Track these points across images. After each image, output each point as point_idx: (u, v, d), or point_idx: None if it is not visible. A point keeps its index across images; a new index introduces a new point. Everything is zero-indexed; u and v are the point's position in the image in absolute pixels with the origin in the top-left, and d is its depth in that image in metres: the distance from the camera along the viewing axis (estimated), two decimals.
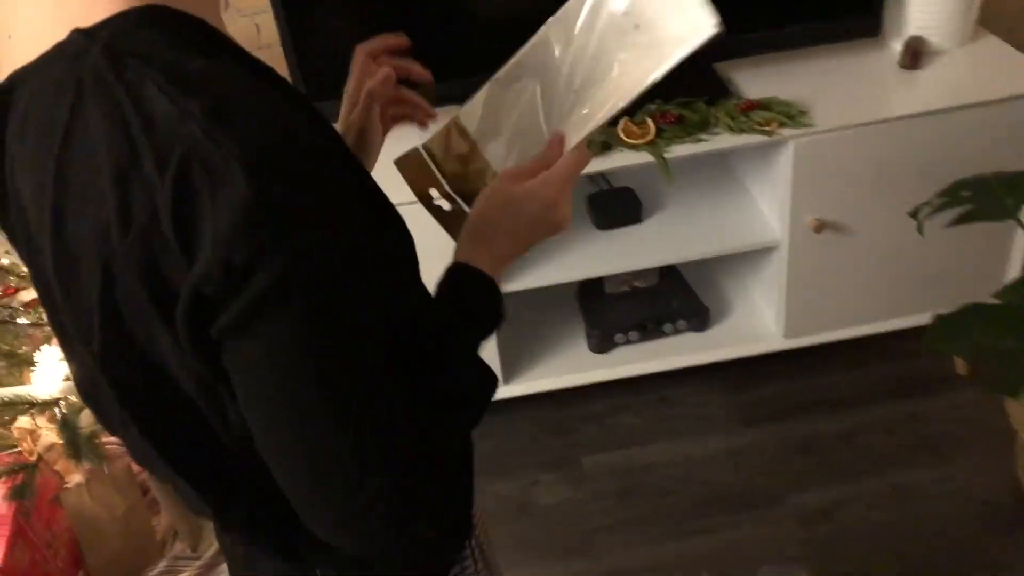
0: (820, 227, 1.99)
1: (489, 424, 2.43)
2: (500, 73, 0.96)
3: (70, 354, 0.79)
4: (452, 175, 1.01)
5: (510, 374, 2.20)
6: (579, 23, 0.90)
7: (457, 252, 0.89)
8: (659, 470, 2.19)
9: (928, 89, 1.98)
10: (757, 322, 2.25)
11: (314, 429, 0.64)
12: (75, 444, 1.74)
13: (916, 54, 2.02)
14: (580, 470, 2.23)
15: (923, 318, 1.77)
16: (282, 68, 1.89)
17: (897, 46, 2.06)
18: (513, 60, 0.96)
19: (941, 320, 1.58)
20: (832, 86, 2.00)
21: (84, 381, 0.78)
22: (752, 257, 2.23)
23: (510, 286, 2.06)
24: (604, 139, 1.88)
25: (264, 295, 0.59)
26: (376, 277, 0.66)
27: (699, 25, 0.84)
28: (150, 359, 0.68)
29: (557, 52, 0.91)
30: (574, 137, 0.90)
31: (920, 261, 2.06)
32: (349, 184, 0.68)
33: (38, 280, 0.74)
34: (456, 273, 0.87)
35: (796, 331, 2.17)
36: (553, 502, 2.16)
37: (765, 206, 2.12)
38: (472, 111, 0.99)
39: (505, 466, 2.25)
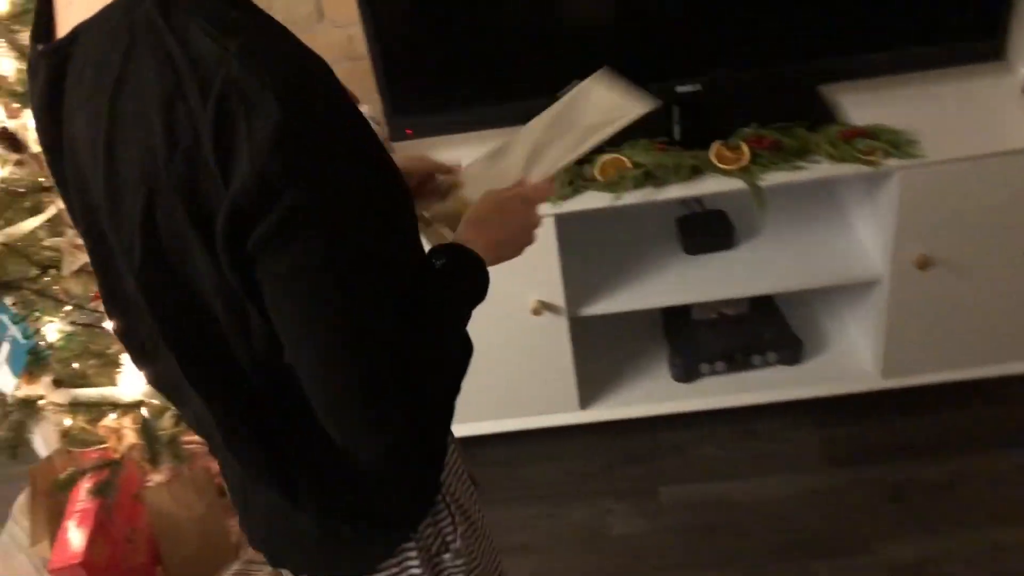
0: (926, 263, 1.86)
1: (564, 447, 2.39)
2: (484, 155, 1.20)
3: (108, 281, 0.89)
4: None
5: (588, 399, 2.14)
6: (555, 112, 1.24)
7: (456, 236, 1.00)
8: (739, 508, 2.09)
9: None
10: (854, 359, 2.13)
11: (334, 336, 0.73)
12: (153, 448, 1.77)
13: None
14: (656, 501, 2.15)
15: None
16: (371, 81, 1.89)
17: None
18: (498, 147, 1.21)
19: None
20: (948, 114, 1.87)
21: (120, 300, 0.88)
22: (852, 290, 2.11)
23: (592, 309, 2.00)
24: (694, 163, 1.81)
25: (295, 208, 0.68)
26: (385, 210, 0.76)
27: (637, 105, 1.20)
28: (183, 277, 0.78)
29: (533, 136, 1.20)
30: (539, 173, 1.13)
31: None
32: (361, 125, 0.75)
33: (85, 218, 0.84)
34: (457, 249, 0.96)
35: (895, 371, 2.05)
36: (625, 533, 2.09)
37: (868, 238, 2.00)
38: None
39: (579, 492, 2.19)
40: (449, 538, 1.04)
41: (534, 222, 1.06)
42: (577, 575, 2.01)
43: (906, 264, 1.88)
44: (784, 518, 2.05)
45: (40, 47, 0.81)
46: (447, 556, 1.04)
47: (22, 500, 2.25)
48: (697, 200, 2.17)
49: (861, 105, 1.94)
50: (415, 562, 1.02)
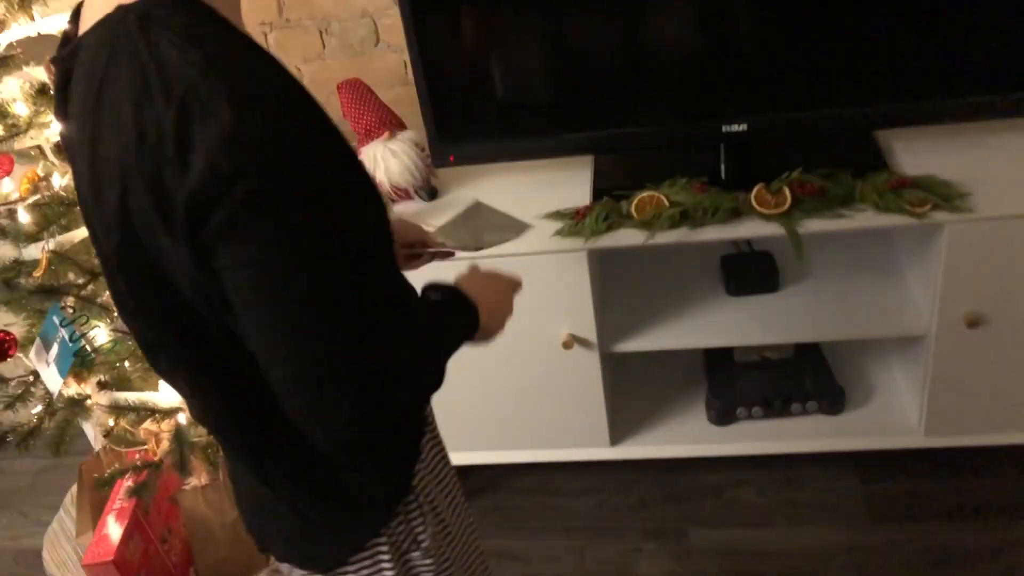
0: (975, 322, 1.78)
1: (601, 479, 2.38)
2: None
3: (107, 278, 0.96)
4: None
5: (619, 435, 2.12)
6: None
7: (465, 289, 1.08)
8: (772, 558, 2.04)
9: None
10: (897, 413, 2.05)
11: (294, 333, 0.78)
12: (182, 455, 1.83)
13: None
14: (687, 543, 2.11)
15: None
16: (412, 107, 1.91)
17: None
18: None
19: None
20: (1006, 168, 1.79)
21: (107, 275, 0.95)
22: (901, 341, 2.04)
23: (625, 346, 1.98)
24: (733, 205, 1.77)
25: (243, 202, 0.74)
26: (345, 217, 0.80)
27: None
28: (158, 268, 0.84)
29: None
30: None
31: None
32: (327, 137, 0.81)
33: (85, 215, 0.93)
34: (454, 290, 1.05)
35: (938, 430, 1.97)
36: (652, 574, 2.06)
37: (918, 291, 1.93)
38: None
39: (609, 528, 2.17)
40: (420, 537, 1.07)
41: (510, 305, 1.17)
42: None
43: (954, 321, 1.80)
44: (816, 573, 1.99)
45: (49, 58, 0.95)
46: (416, 554, 1.08)
47: (74, 491, 2.36)
48: (747, 240, 2.13)
49: (916, 153, 1.87)
50: (386, 557, 1.06)
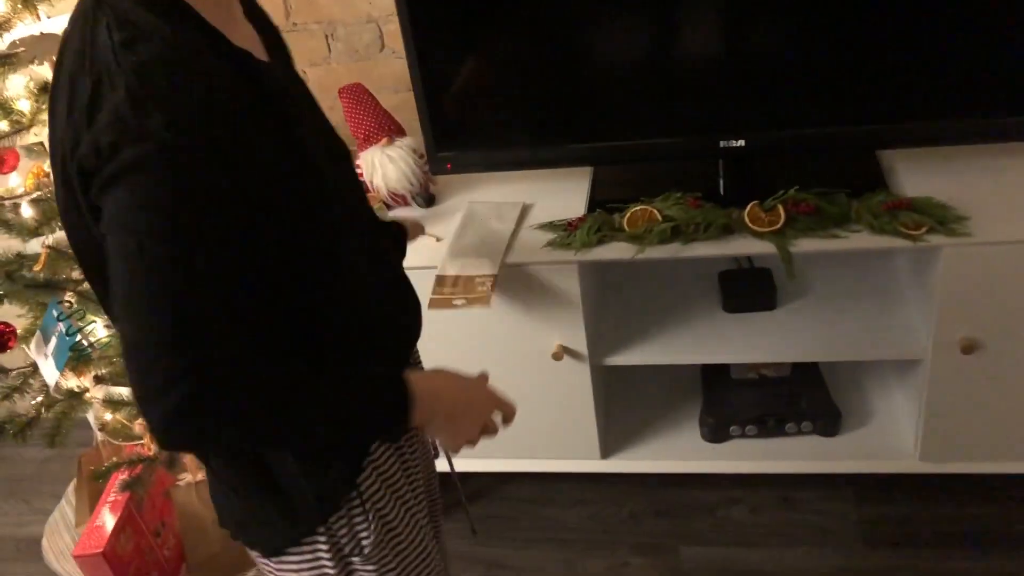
0: (970, 347, 1.75)
1: (594, 491, 2.37)
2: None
3: None
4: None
5: (610, 449, 2.11)
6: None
7: (415, 381, 0.99)
8: None
9: None
10: (894, 437, 2.02)
11: (137, 299, 0.80)
12: (172, 454, 1.85)
13: None
14: (676, 560, 2.09)
15: None
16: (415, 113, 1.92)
17: None
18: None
19: None
20: (1008, 192, 1.76)
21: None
22: (900, 364, 2.00)
23: (616, 359, 1.97)
24: (726, 222, 1.76)
25: (119, 170, 0.79)
26: (209, 216, 0.81)
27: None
28: (84, 220, 0.89)
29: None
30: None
31: None
32: (239, 133, 0.84)
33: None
34: (396, 380, 0.97)
35: (934, 455, 1.93)
36: None
37: (916, 315, 1.90)
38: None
39: (599, 541, 2.16)
40: (364, 541, 1.08)
41: (470, 430, 1.08)
42: None
43: (950, 346, 1.76)
44: None
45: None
46: (357, 559, 1.08)
47: (75, 482, 2.40)
48: (748, 257, 2.11)
49: (919, 174, 1.84)
50: (327, 556, 1.07)
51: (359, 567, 1.09)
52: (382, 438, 1.07)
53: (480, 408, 1.08)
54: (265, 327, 0.92)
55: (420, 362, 1.32)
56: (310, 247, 0.95)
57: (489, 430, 1.10)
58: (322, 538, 1.06)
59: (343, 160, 1.10)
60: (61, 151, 0.88)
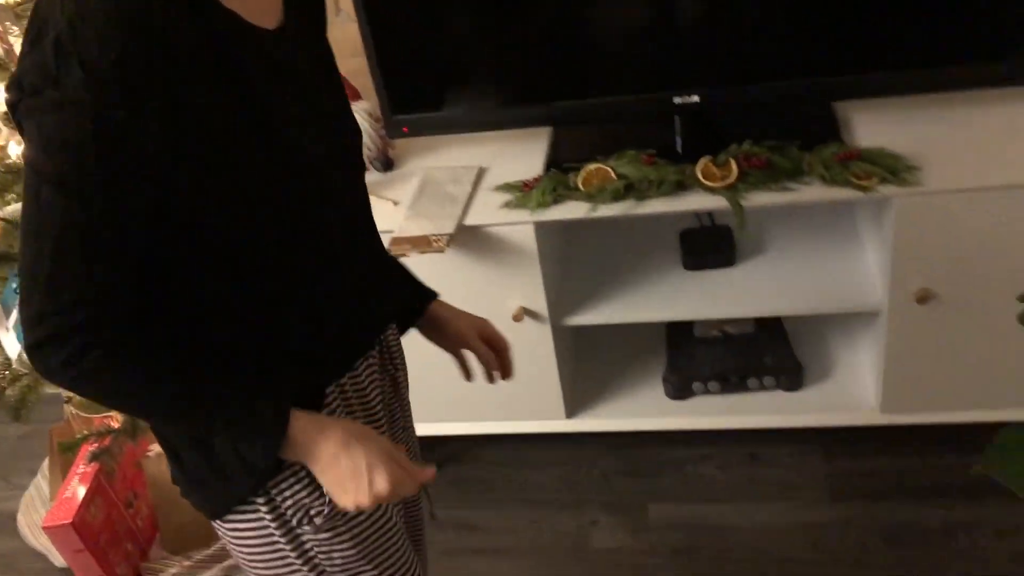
0: (926, 298, 1.75)
1: (565, 452, 2.39)
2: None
3: None
4: None
5: (575, 408, 2.12)
6: None
7: (303, 418, 0.97)
8: (729, 533, 2.03)
9: None
10: (856, 390, 2.03)
11: (26, 233, 0.83)
12: (133, 423, 1.86)
13: None
14: (645, 518, 2.11)
15: None
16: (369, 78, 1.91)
17: None
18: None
19: (1013, 433, 1.34)
20: (961, 140, 1.75)
21: None
22: (861, 318, 2.01)
23: (577, 319, 1.98)
24: (679, 178, 1.75)
25: (34, 107, 0.81)
26: (128, 162, 0.82)
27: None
28: None
29: None
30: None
31: None
32: (159, 86, 0.82)
33: None
34: (281, 407, 0.96)
35: (894, 407, 1.94)
36: (608, 547, 2.07)
37: (874, 267, 1.90)
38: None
39: (569, 500, 2.18)
40: (313, 512, 1.05)
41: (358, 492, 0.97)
42: None
43: (905, 297, 1.77)
44: (772, 548, 1.98)
45: None
46: (307, 528, 1.06)
47: (49, 457, 2.41)
48: (709, 214, 2.11)
49: (874, 125, 1.84)
50: (273, 526, 1.06)
51: (309, 537, 1.07)
52: (244, 462, 1.00)
53: (373, 475, 0.96)
54: (158, 301, 0.92)
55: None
56: (241, 230, 0.93)
57: (381, 499, 0.98)
58: (264, 507, 1.04)
59: (341, 160, 1.05)
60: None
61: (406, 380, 1.27)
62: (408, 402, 1.31)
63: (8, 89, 0.84)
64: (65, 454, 2.06)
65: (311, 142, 0.97)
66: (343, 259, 1.06)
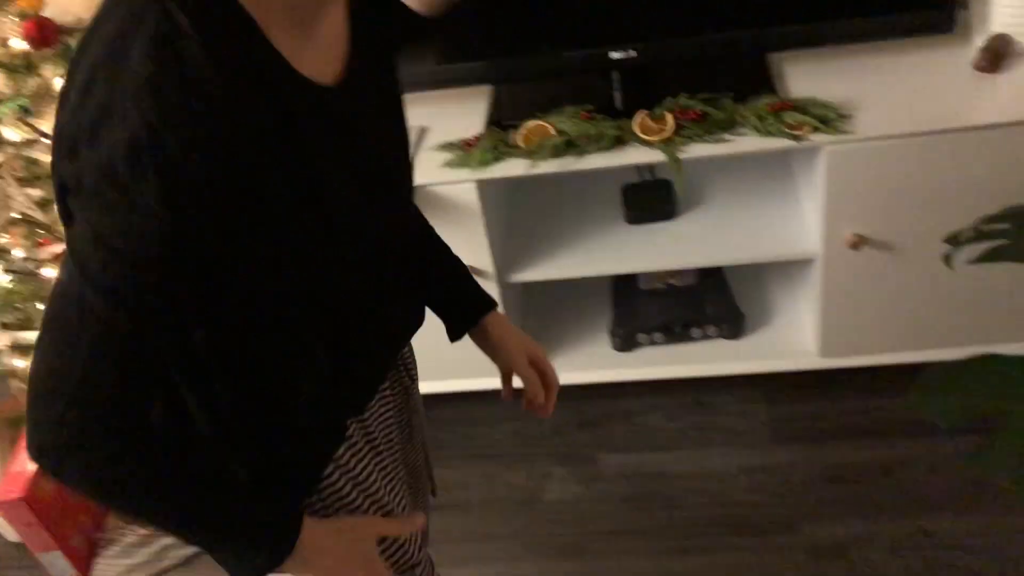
0: (858, 243, 1.81)
1: (510, 407, 2.45)
2: None
3: None
4: None
5: None
6: None
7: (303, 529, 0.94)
8: (676, 480, 2.09)
9: (1005, 97, 1.74)
10: (796, 337, 2.08)
11: (52, 326, 0.78)
12: None
13: (996, 56, 1.77)
14: (595, 468, 2.16)
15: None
16: None
17: (979, 45, 1.82)
18: None
19: (938, 371, 1.39)
20: (891, 88, 1.80)
21: None
22: (799, 265, 2.06)
23: (523, 276, 2.00)
24: (617, 133, 1.78)
25: (85, 205, 0.73)
26: (148, 272, 0.75)
27: None
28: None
29: None
30: None
31: (973, 289, 1.84)
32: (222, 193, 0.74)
33: None
34: (288, 516, 0.93)
35: (832, 351, 2.00)
36: (560, 498, 2.11)
37: (810, 215, 1.95)
38: None
39: (521, 454, 2.22)
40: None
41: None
42: (505, 537, 2.04)
43: (839, 243, 1.82)
44: (719, 493, 2.04)
45: None
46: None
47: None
48: (650, 169, 2.14)
49: (807, 76, 1.87)
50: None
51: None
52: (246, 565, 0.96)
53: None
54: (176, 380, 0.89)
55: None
56: (275, 296, 0.87)
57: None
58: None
59: (396, 222, 1.00)
60: (60, 142, 0.77)
61: (417, 384, 1.25)
62: (421, 405, 1.30)
63: (62, 167, 0.75)
64: (13, 429, 2.05)
65: (368, 217, 0.92)
66: (379, 302, 1.02)
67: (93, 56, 0.73)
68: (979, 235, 1.47)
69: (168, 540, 2.13)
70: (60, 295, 0.78)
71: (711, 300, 2.11)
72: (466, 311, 1.22)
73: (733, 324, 2.09)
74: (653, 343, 2.11)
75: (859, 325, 1.95)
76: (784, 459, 2.08)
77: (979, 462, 1.33)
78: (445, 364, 2.10)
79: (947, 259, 1.52)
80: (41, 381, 0.79)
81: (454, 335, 1.21)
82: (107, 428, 0.79)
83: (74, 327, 0.76)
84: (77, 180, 0.73)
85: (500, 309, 1.97)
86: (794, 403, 2.18)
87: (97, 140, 0.71)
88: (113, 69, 0.71)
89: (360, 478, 1.05)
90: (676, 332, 2.09)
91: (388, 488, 1.10)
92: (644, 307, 2.13)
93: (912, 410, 1.40)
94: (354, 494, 1.05)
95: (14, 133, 1.75)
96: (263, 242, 0.80)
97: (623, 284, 2.19)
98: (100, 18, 0.75)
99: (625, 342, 2.12)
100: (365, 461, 1.06)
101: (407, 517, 1.10)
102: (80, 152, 0.72)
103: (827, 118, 1.71)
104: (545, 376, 1.25)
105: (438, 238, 1.21)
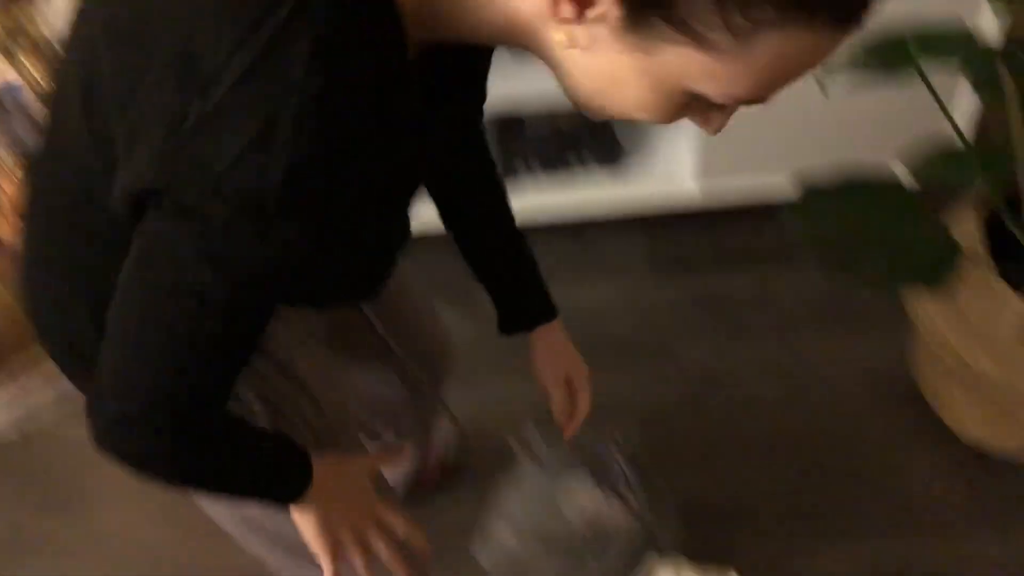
0: None
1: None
2: None
3: None
4: None
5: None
6: None
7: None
8: (560, 316, 2.12)
9: None
10: (675, 167, 2.10)
11: (136, 332, 0.73)
12: None
13: None
14: (477, 307, 2.16)
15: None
16: None
17: None
18: None
19: (811, 192, 1.43)
20: None
21: None
22: None
23: None
24: None
25: (211, 215, 0.65)
26: (255, 290, 0.71)
27: None
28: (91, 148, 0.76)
29: None
30: None
31: (842, 110, 1.88)
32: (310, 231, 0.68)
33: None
34: (303, 458, 0.92)
35: (709, 182, 2.04)
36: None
37: None
38: None
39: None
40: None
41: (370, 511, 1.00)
42: None
43: None
44: (598, 323, 2.08)
45: None
46: None
47: None
48: None
49: None
50: None
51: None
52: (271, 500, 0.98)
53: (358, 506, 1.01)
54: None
55: None
56: (314, 289, 0.88)
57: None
58: None
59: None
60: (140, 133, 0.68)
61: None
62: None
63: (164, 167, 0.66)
64: None
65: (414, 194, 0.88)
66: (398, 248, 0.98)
67: (182, 31, 0.63)
68: (859, 61, 1.50)
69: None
70: (147, 285, 0.72)
71: (592, 134, 2.10)
72: (519, 316, 1.24)
73: (610, 150, 2.08)
74: (530, 169, 2.09)
75: (734, 152, 1.98)
76: (662, 292, 2.13)
77: (844, 276, 1.40)
78: None
79: (823, 88, 1.54)
80: (116, 365, 0.76)
81: (503, 332, 1.24)
82: (184, 422, 0.79)
83: (159, 322, 0.72)
84: (216, 190, 0.63)
85: None
86: (669, 236, 2.23)
87: (243, 164, 0.61)
88: (264, 72, 0.60)
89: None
90: (553, 159, 2.07)
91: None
92: (527, 145, 2.09)
93: (784, 238, 1.45)
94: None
95: None
96: (351, 241, 0.78)
97: (507, 128, 2.15)
98: None
99: (503, 170, 2.10)
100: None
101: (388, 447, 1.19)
102: (200, 164, 0.62)
103: None
104: (575, 399, 1.24)
105: (516, 230, 1.19)
